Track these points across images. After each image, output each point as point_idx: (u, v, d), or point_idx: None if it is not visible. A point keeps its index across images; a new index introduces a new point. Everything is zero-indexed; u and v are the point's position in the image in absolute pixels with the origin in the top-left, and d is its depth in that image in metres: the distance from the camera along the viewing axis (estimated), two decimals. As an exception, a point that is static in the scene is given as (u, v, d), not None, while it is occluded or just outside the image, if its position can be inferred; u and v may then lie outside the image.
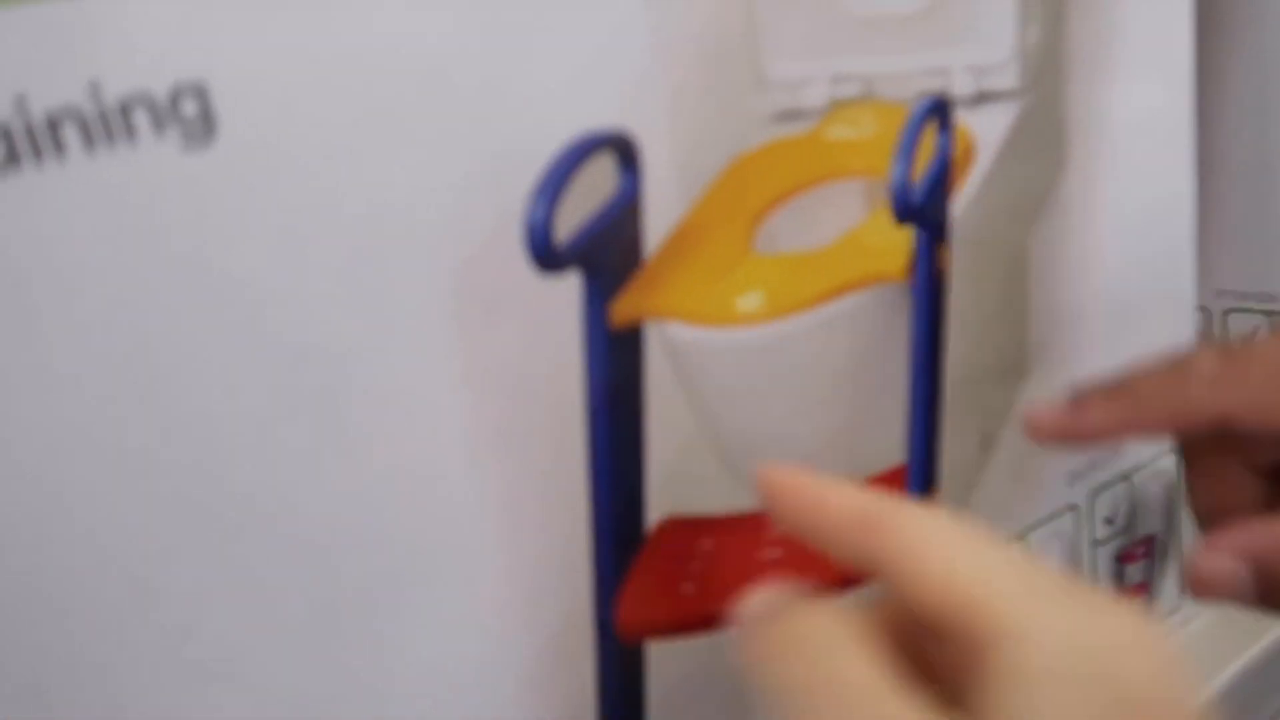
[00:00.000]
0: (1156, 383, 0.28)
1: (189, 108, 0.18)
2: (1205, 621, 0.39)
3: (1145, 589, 0.37)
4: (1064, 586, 0.17)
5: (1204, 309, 0.49)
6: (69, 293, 0.18)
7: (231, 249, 0.20)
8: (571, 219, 0.23)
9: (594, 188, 0.23)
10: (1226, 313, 0.48)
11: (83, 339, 0.18)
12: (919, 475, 0.30)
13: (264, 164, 0.20)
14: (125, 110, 0.18)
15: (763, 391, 0.27)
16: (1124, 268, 0.34)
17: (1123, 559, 0.36)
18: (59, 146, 0.17)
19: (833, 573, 0.28)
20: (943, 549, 0.18)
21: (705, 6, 0.24)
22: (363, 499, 0.22)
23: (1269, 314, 0.47)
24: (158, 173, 0.18)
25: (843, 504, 0.20)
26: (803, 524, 0.20)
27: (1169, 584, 0.38)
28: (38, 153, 0.17)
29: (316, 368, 0.21)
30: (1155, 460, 0.36)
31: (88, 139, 0.18)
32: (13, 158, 0.17)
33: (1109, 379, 0.29)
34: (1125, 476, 0.35)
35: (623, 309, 0.24)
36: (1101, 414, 0.28)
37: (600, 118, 0.23)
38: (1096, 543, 0.35)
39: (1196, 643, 0.38)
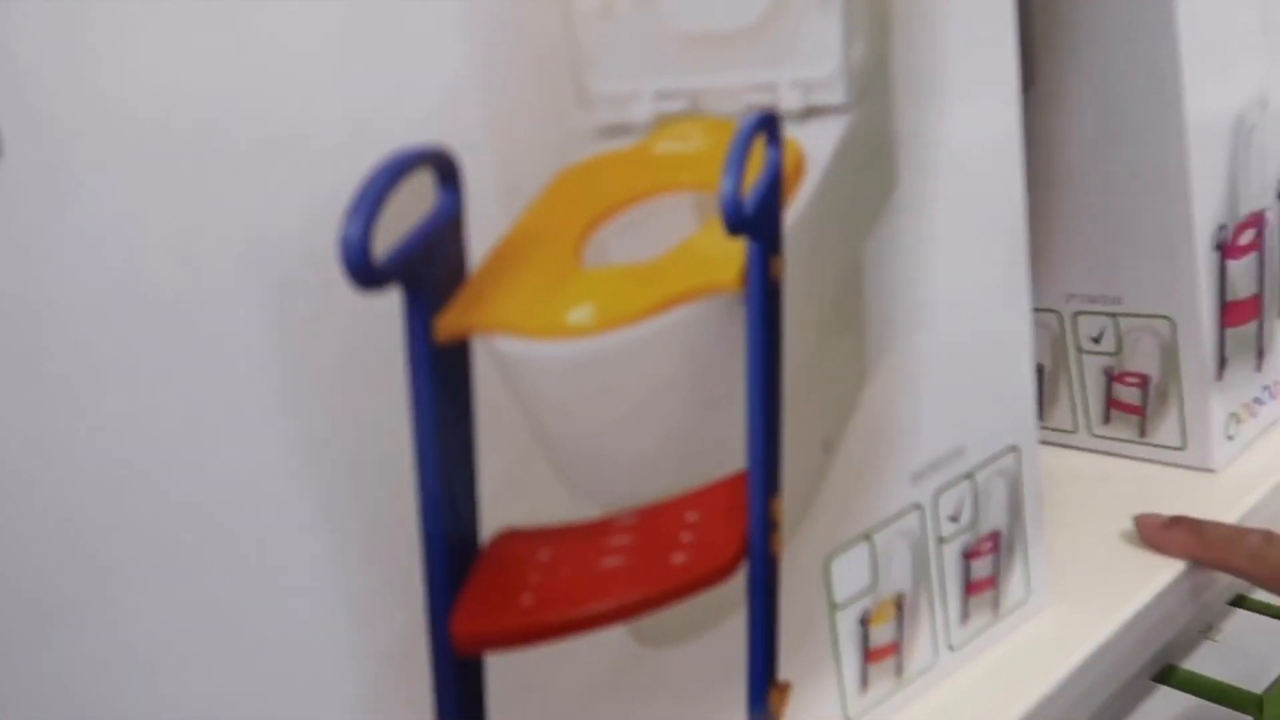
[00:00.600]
0: (1218, 535, 0.42)
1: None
2: (1051, 614, 0.41)
3: (993, 583, 0.39)
4: None
5: (1055, 311, 0.51)
6: None
7: (21, 272, 0.19)
8: (392, 236, 0.23)
9: (415, 204, 0.23)
10: (1076, 315, 0.50)
11: None
12: (760, 480, 0.30)
13: (56, 186, 0.19)
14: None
15: (597, 403, 0.27)
16: (959, 275, 0.35)
17: (969, 555, 0.37)
18: None
19: (669, 582, 0.29)
20: None
21: (526, 20, 0.25)
22: (184, 521, 0.22)
23: (1113, 315, 0.49)
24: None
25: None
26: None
27: (1015, 578, 0.40)
28: None
29: (121, 391, 0.20)
30: (997, 458, 0.37)
31: None
32: None
33: (1194, 520, 0.43)
34: (968, 475, 0.37)
35: (447, 324, 0.24)
36: (1180, 537, 0.42)
37: (419, 133, 0.23)
38: (942, 540, 0.36)
39: (1043, 634, 0.40)
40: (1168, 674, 0.54)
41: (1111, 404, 0.51)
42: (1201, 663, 0.54)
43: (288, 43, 0.21)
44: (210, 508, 0.22)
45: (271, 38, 0.21)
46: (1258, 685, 0.52)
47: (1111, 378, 0.50)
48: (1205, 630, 0.56)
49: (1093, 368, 0.51)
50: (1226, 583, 0.47)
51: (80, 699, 0.21)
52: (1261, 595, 0.58)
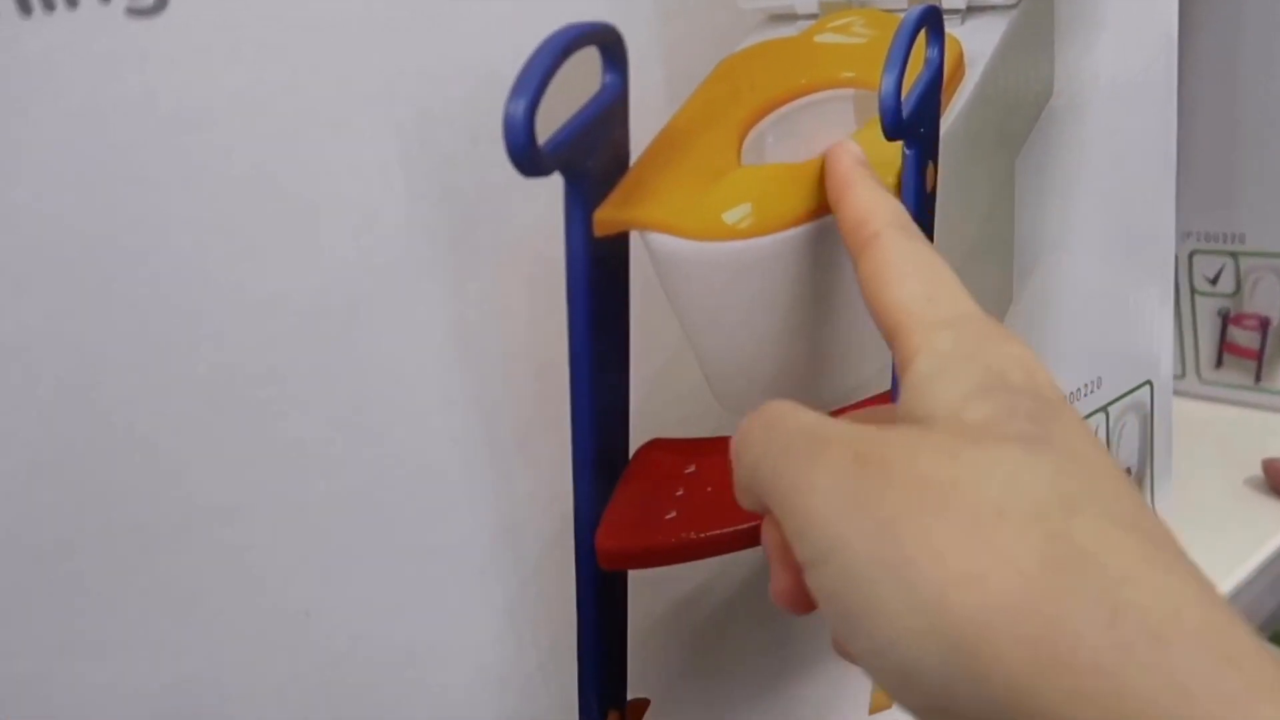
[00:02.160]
0: None
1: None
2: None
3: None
4: (977, 319, 0.22)
5: (1170, 250, 0.49)
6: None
7: (184, 126, 0.18)
8: (555, 122, 0.22)
9: (578, 88, 0.22)
10: (1192, 254, 0.48)
11: (17, 220, 0.16)
12: (904, 402, 0.29)
13: (218, 38, 0.18)
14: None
15: (748, 308, 0.25)
16: (1107, 196, 0.33)
17: (1098, 493, 0.36)
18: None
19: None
20: (898, 276, 0.22)
21: (694, -104, 0.23)
22: (338, 422, 0.20)
23: (1233, 254, 0.47)
24: (102, 42, 0.17)
25: (858, 200, 0.23)
26: (831, 198, 0.24)
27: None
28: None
29: (271, 270, 0.19)
30: (1132, 392, 0.36)
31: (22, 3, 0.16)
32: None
33: None
34: (1104, 408, 0.35)
35: (606, 217, 0.23)
36: None
37: (586, 13, 0.22)
38: (1074, 476, 0.35)
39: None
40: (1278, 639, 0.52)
41: (1226, 348, 0.49)
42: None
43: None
44: (364, 406, 0.21)
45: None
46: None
47: (1227, 320, 0.48)
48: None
49: (1207, 310, 0.48)
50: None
51: (230, 595, 0.20)
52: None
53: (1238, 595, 0.38)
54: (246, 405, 0.19)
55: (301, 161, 0.19)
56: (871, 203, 0.23)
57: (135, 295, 0.18)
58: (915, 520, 0.18)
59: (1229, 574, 0.38)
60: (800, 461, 0.20)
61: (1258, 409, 0.49)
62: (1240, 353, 0.48)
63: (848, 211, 0.23)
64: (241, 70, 0.18)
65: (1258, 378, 0.48)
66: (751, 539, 0.27)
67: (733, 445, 0.22)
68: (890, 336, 0.22)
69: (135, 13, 0.17)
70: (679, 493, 0.26)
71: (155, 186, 0.18)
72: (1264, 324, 0.47)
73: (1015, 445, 0.19)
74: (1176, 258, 0.49)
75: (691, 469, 0.26)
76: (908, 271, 0.22)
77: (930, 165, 0.28)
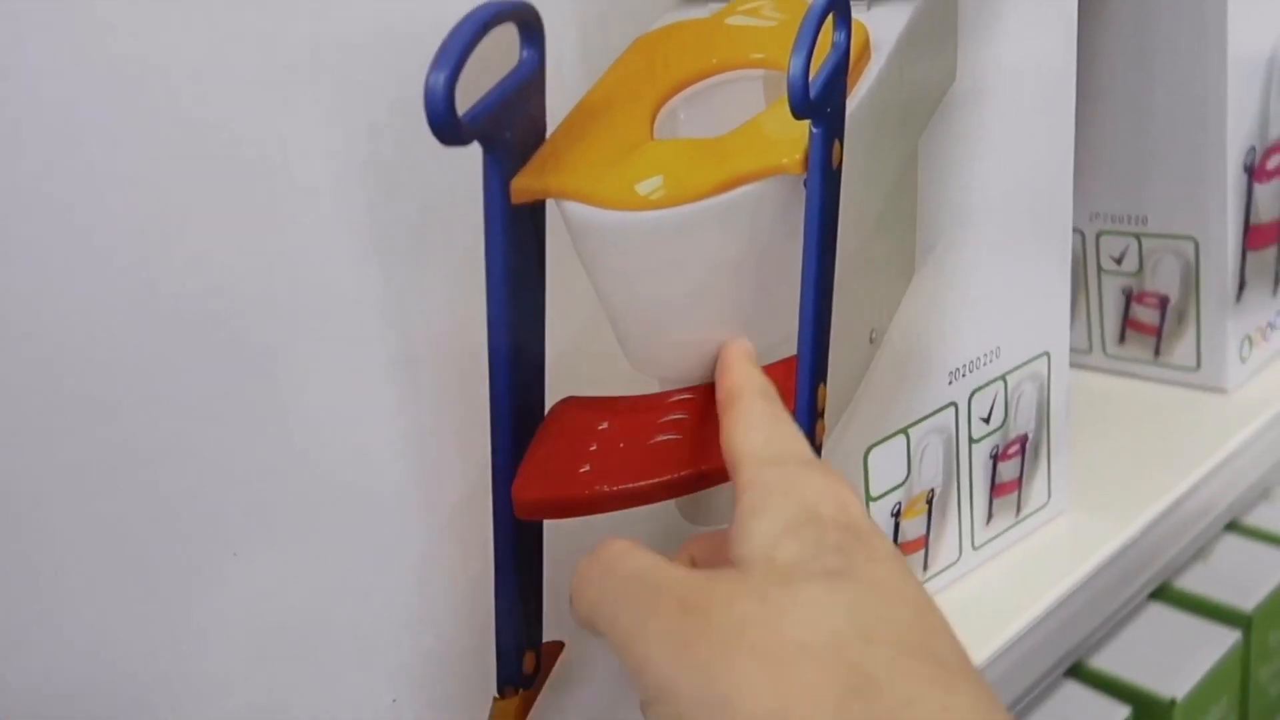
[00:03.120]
0: None
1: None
2: (1067, 520, 0.42)
3: (1017, 486, 0.39)
4: (801, 459, 0.24)
5: (1077, 231, 0.51)
6: None
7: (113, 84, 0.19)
8: (474, 94, 0.23)
9: (496, 63, 0.23)
10: (1099, 234, 0.51)
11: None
12: (809, 367, 0.31)
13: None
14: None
15: (659, 275, 0.27)
16: (1007, 175, 0.35)
17: (997, 457, 0.38)
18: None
19: (718, 461, 0.29)
20: (745, 428, 0.25)
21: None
22: (270, 381, 0.22)
23: (1137, 235, 0.50)
24: None
25: (735, 376, 0.27)
26: (717, 375, 0.27)
27: (1038, 483, 0.40)
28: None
29: (207, 230, 0.20)
30: (1030, 363, 0.38)
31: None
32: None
33: None
34: (1001, 377, 0.37)
35: (523, 186, 0.24)
36: None
37: (504, -11, 0.23)
38: (973, 440, 0.37)
39: (1059, 539, 0.41)
40: (1163, 591, 0.55)
41: (1128, 324, 0.51)
42: (1194, 582, 0.55)
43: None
44: (288, 359, 0.22)
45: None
46: (1247, 604, 0.53)
47: (1130, 298, 0.51)
48: (1198, 553, 0.58)
49: (1112, 288, 0.51)
50: (1225, 506, 0.48)
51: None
52: (1253, 519, 0.59)
53: (1125, 552, 0.41)
54: (190, 348, 0.21)
55: (223, 125, 0.20)
56: (744, 377, 0.27)
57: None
58: (730, 661, 0.20)
59: (1119, 533, 0.41)
60: (634, 609, 0.22)
61: (1158, 383, 0.52)
62: (1142, 329, 0.51)
63: (724, 383, 0.27)
64: (167, 35, 0.19)
65: (1157, 352, 0.51)
66: (660, 493, 0.29)
67: (573, 583, 0.24)
68: (732, 475, 0.25)
69: (67, -20, 0.18)
70: (592, 448, 0.27)
71: (80, 144, 0.19)
72: (1164, 302, 0.50)
73: (818, 582, 0.21)
74: (1085, 238, 0.51)
75: (604, 425, 0.27)
76: (754, 424, 0.25)
77: (836, 143, 0.29)
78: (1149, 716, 0.50)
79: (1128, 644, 0.53)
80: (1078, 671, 0.51)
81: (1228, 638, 0.53)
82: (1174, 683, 0.49)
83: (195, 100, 0.20)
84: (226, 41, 0.20)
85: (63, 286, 0.19)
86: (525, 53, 0.23)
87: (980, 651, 0.35)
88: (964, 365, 0.36)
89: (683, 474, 0.29)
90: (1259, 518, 0.62)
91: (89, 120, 0.19)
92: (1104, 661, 0.52)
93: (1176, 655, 0.51)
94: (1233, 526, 0.60)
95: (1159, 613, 0.55)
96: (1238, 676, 0.54)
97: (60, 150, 0.19)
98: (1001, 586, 0.39)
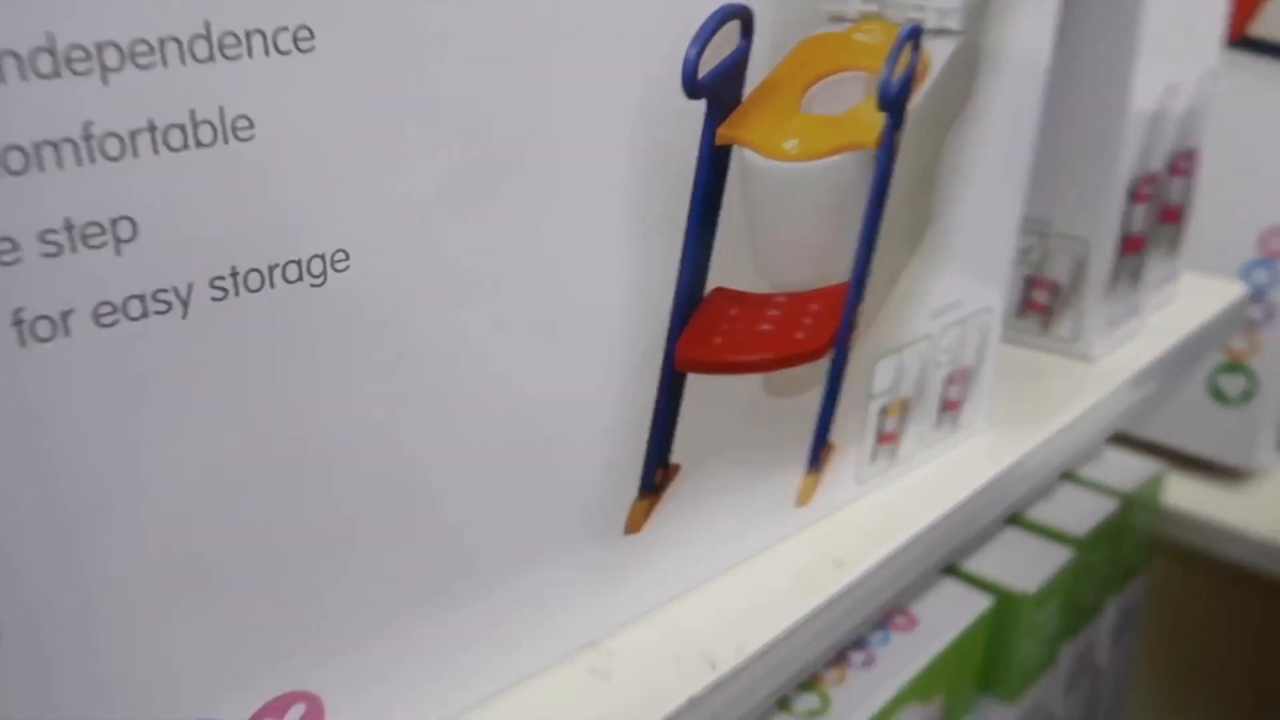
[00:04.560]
0: None
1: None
2: (983, 438, 0.55)
3: (959, 405, 0.53)
4: None
5: (999, 224, 0.65)
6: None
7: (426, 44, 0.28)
8: (707, 66, 0.33)
9: (720, 46, 0.34)
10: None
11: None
12: (855, 292, 0.43)
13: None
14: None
15: (787, 208, 0.38)
16: (987, 173, 0.48)
17: (950, 380, 0.51)
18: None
19: (791, 350, 0.41)
20: None
21: (802, -69, 0.35)
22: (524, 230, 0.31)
23: (1041, 234, 0.64)
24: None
25: None
26: None
27: (970, 405, 0.54)
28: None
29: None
30: (980, 314, 0.51)
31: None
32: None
33: None
34: (961, 321, 0.50)
35: (724, 133, 0.35)
36: None
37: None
38: (938, 364, 0.50)
39: (978, 449, 0.54)
40: (1016, 519, 0.71)
41: (1027, 303, 0.66)
42: (1040, 514, 0.71)
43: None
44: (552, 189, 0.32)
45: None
46: (1079, 531, 0.70)
47: (1030, 283, 0.65)
48: (1044, 492, 0.74)
49: (1017, 274, 0.65)
50: (1076, 453, 0.63)
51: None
52: (1085, 472, 0.76)
53: (1023, 460, 0.54)
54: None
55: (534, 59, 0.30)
56: None
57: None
58: None
59: (1018, 443, 0.55)
60: None
61: (1043, 351, 0.66)
62: (1036, 308, 0.65)
63: None
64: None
65: (1045, 327, 0.66)
66: (758, 367, 0.40)
67: None
68: None
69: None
70: (724, 326, 0.38)
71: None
72: (1055, 287, 0.64)
73: None
74: (1001, 232, 0.65)
75: (734, 311, 0.38)
76: None
77: (898, 132, 0.41)
78: (1006, 606, 0.65)
79: (992, 553, 0.68)
80: (953, 570, 0.66)
81: (1063, 554, 0.69)
82: (1025, 583, 0.65)
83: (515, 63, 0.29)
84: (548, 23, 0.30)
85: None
86: (741, 41, 0.34)
87: (885, 547, 0.47)
88: (941, 307, 0.48)
89: (770, 356, 0.40)
90: (1090, 471, 0.78)
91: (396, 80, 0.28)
92: (973, 565, 0.66)
93: (1027, 564, 0.67)
94: (1068, 476, 0.76)
95: (1014, 533, 0.70)
96: (1069, 583, 0.70)
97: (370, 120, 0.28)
98: (942, 477, 0.52)
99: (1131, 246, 0.64)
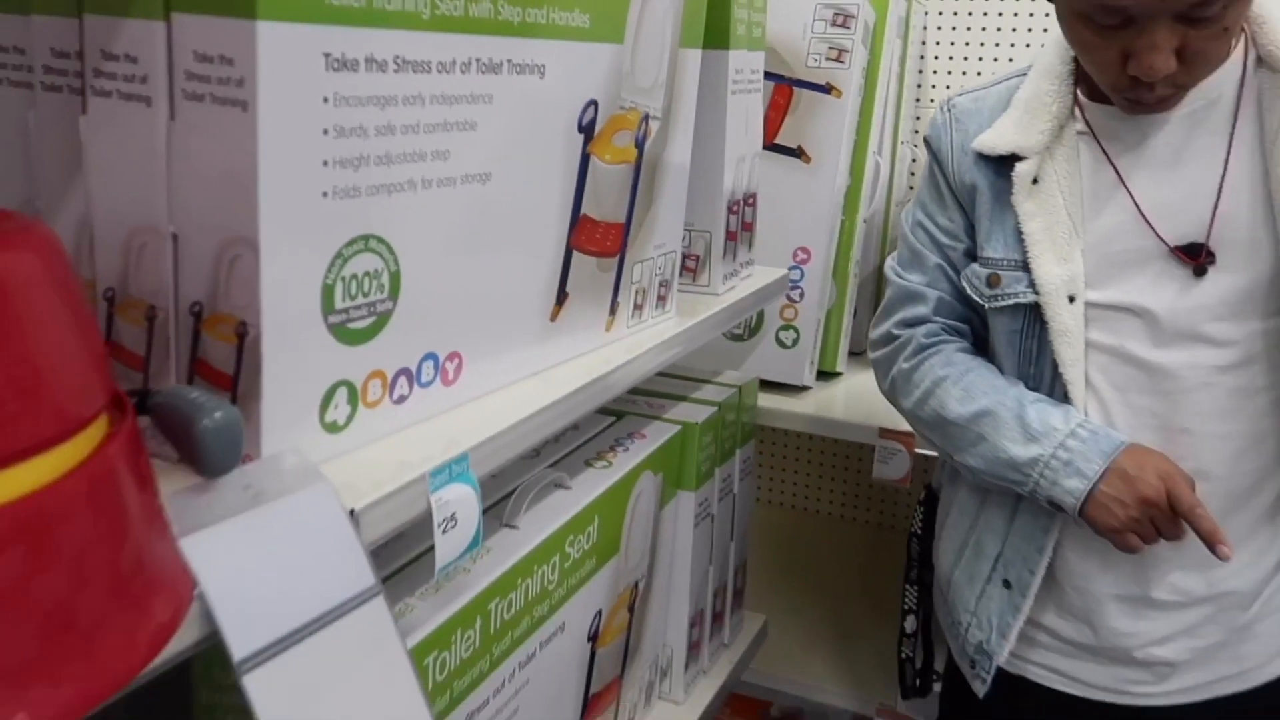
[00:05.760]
0: None
1: None
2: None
3: (665, 297, 1.09)
4: None
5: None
6: None
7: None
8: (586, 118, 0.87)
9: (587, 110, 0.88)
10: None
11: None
12: (628, 227, 0.98)
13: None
14: None
15: (611, 187, 0.92)
16: (669, 195, 1.05)
17: (661, 283, 1.07)
18: None
19: (612, 249, 0.95)
20: None
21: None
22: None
23: (689, 229, 1.23)
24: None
25: None
26: None
27: (670, 298, 1.10)
28: None
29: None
30: (673, 251, 1.08)
31: None
32: None
33: None
34: (666, 253, 1.06)
35: (590, 150, 0.89)
36: None
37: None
38: (657, 272, 1.06)
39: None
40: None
41: (684, 266, 1.24)
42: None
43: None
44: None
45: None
46: (718, 400, 1.29)
47: (685, 256, 1.24)
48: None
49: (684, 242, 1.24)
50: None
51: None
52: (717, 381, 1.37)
53: (676, 339, 1.12)
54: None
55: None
56: None
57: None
58: None
59: (677, 328, 1.12)
60: None
61: (694, 291, 1.25)
62: (688, 268, 1.25)
63: None
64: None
65: (695, 277, 1.25)
66: (604, 253, 0.93)
67: None
68: None
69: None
70: (590, 233, 0.91)
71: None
72: (697, 258, 1.24)
73: None
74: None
75: (596, 228, 0.92)
76: None
77: (643, 158, 0.97)
78: (687, 430, 1.23)
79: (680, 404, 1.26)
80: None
81: (710, 410, 1.29)
82: (697, 418, 1.23)
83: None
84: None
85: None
86: (593, 113, 0.88)
87: (638, 365, 1.03)
88: (656, 244, 1.04)
89: (603, 250, 0.94)
90: (724, 378, 1.39)
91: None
92: (672, 413, 1.24)
93: (696, 412, 1.25)
94: (710, 382, 1.37)
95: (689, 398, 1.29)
96: (717, 423, 1.29)
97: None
98: (656, 336, 1.07)
99: (731, 237, 1.24)
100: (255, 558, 0.57)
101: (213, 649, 0.54)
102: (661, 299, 1.08)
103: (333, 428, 0.70)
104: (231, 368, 0.65)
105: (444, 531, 0.72)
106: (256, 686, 0.54)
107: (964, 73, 1.84)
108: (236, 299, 0.64)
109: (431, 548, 0.76)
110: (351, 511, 0.63)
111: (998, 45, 1.81)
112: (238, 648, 0.54)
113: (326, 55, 0.63)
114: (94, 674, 0.47)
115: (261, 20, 0.59)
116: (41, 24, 0.69)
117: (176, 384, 0.67)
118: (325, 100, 0.63)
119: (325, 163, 0.65)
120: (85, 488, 0.48)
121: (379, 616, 0.63)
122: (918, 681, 1.42)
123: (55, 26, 0.68)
